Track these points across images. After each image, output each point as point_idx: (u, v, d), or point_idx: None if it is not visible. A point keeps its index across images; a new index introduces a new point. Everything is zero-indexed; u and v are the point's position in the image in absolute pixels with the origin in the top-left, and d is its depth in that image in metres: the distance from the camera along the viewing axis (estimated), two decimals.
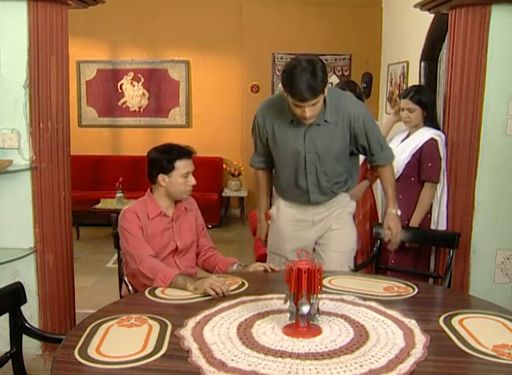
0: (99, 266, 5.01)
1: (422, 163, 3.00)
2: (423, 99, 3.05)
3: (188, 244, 2.62)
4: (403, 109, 3.11)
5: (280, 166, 2.71)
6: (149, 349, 1.66)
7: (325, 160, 2.58)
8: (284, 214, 2.78)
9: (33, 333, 2.04)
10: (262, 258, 4.16)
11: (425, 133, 3.03)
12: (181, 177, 2.49)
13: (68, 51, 2.98)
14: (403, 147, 3.09)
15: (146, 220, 2.49)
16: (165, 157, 2.48)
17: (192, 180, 2.53)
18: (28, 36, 2.80)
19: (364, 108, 2.66)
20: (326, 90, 2.39)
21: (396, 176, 3.01)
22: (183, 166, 2.48)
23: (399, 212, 2.74)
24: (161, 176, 2.49)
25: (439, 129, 3.08)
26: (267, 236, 2.88)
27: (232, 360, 1.59)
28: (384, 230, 2.77)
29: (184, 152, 2.51)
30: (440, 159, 3.00)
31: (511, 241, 3.09)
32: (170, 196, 2.55)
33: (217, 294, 2.09)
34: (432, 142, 2.99)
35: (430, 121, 3.08)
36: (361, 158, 2.87)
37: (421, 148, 3.01)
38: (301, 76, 2.28)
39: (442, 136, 3.03)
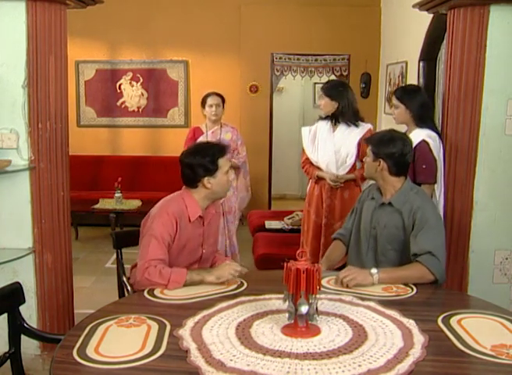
0: (98, 266, 5.00)
1: (416, 166, 2.95)
2: (406, 98, 3.04)
3: (210, 252, 2.53)
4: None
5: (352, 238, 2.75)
6: (148, 349, 1.66)
7: (380, 240, 2.58)
8: None
9: (31, 333, 2.04)
10: (261, 259, 4.16)
11: (417, 136, 2.99)
12: (224, 175, 2.43)
13: (66, 51, 2.98)
14: None
15: (186, 223, 2.38)
16: (207, 159, 2.39)
17: (231, 175, 2.47)
18: (27, 36, 2.79)
19: (432, 206, 2.57)
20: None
21: None
22: (224, 163, 2.43)
23: (375, 278, 2.28)
24: (206, 179, 2.39)
25: (434, 130, 3.06)
26: None
27: (231, 360, 1.59)
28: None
29: (222, 149, 2.45)
30: (435, 160, 2.96)
31: (510, 240, 3.09)
32: (212, 197, 2.46)
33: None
34: (423, 144, 2.94)
35: (422, 122, 3.03)
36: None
37: (413, 151, 3.00)
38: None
39: (436, 137, 3.00)
